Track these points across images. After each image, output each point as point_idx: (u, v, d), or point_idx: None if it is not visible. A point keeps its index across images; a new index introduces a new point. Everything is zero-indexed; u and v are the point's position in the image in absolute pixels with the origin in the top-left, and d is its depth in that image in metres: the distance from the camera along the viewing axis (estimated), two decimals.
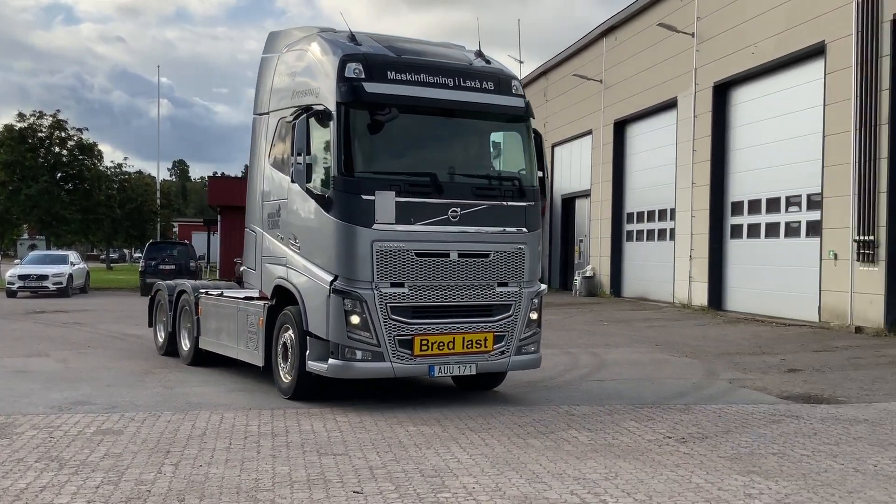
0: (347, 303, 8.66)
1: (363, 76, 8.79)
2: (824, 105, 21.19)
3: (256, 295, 10.94)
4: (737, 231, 26.02)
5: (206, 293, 12.76)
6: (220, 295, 12.36)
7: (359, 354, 8.64)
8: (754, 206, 25.07)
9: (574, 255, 39.07)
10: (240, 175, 58.03)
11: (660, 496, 6.14)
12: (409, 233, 8.85)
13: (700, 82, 27.30)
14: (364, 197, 8.75)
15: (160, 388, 11.31)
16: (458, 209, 8.97)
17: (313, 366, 9.07)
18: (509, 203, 9.48)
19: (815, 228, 21.79)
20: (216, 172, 52.91)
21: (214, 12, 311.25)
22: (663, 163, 30.34)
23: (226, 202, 40.18)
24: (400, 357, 8.67)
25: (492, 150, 10.52)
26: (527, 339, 9.60)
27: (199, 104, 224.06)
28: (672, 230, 29.72)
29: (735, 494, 6.18)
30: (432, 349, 8.75)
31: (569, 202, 40.31)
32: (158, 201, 64.17)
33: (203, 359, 12.81)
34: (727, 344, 18.11)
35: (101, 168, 53.28)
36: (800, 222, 22.87)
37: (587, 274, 35.09)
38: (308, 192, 9.28)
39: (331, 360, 8.81)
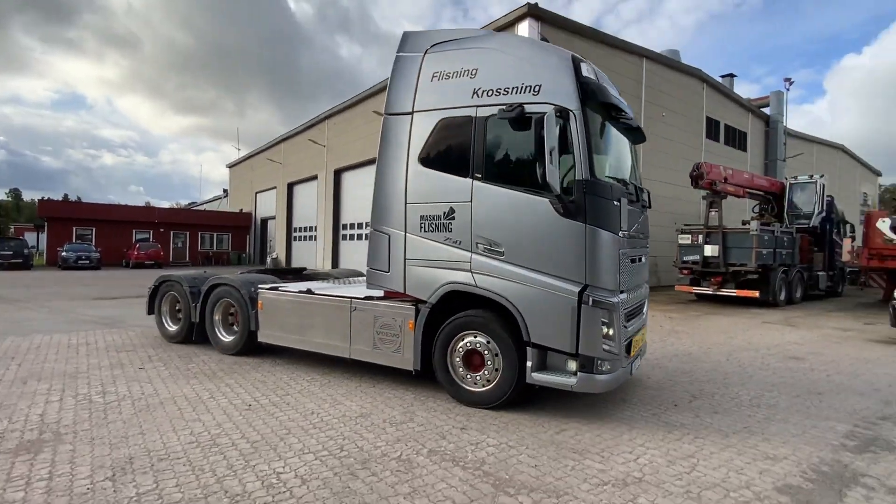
0: (602, 313, 4.36)
1: (594, 77, 4.67)
2: None
3: (380, 295, 5.51)
4: (345, 237, 26.72)
5: (278, 289, 6.62)
6: (308, 292, 6.28)
7: (606, 366, 4.44)
8: (353, 226, 25.84)
9: (267, 247, 37.04)
10: (60, 199, 47.47)
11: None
12: (629, 240, 4.90)
13: (328, 169, 27.35)
14: (615, 203, 4.56)
15: (7, 324, 9.21)
16: (639, 216, 5.29)
17: (541, 378, 4.51)
18: (646, 212, 5.65)
19: None
20: (44, 197, 42.83)
21: (41, 100, 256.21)
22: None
23: (50, 215, 32.29)
24: (623, 362, 4.67)
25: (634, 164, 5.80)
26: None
27: (29, 155, 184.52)
28: (314, 236, 29.22)
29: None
30: (633, 349, 5.07)
31: (265, 221, 37.44)
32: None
33: (255, 350, 6.95)
34: None
35: None
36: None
37: (273, 256, 33.90)
38: (559, 197, 4.36)
39: (581, 374, 4.39)
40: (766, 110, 27.90)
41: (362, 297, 5.66)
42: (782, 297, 13.96)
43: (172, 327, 7.89)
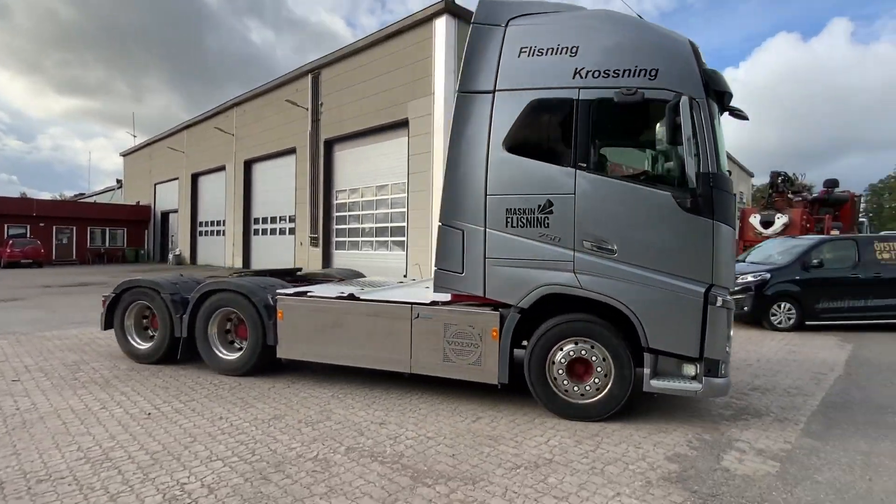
0: (727, 314, 4.03)
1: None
2: (296, 175, 21.74)
3: (445, 299, 4.78)
4: (256, 231, 25.60)
5: (306, 295, 5.45)
6: (350, 297, 5.21)
7: (725, 368, 4.08)
8: (265, 221, 24.73)
9: (169, 243, 34.54)
10: None
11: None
12: None
13: (237, 160, 26.01)
14: (734, 196, 4.20)
15: None
16: None
17: (661, 385, 4.11)
18: None
19: (292, 231, 22.29)
20: None
21: None
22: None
23: None
24: None
25: None
26: None
27: None
28: (223, 231, 27.73)
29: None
30: None
31: (165, 215, 34.67)
32: None
33: (270, 368, 5.73)
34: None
35: None
36: (286, 228, 23.12)
37: (176, 253, 31.57)
38: (692, 190, 3.92)
39: (708, 379, 4.02)
40: None
41: (427, 302, 4.80)
42: None
43: (143, 345, 6.28)
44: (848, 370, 6.39)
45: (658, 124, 4.09)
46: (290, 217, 22.78)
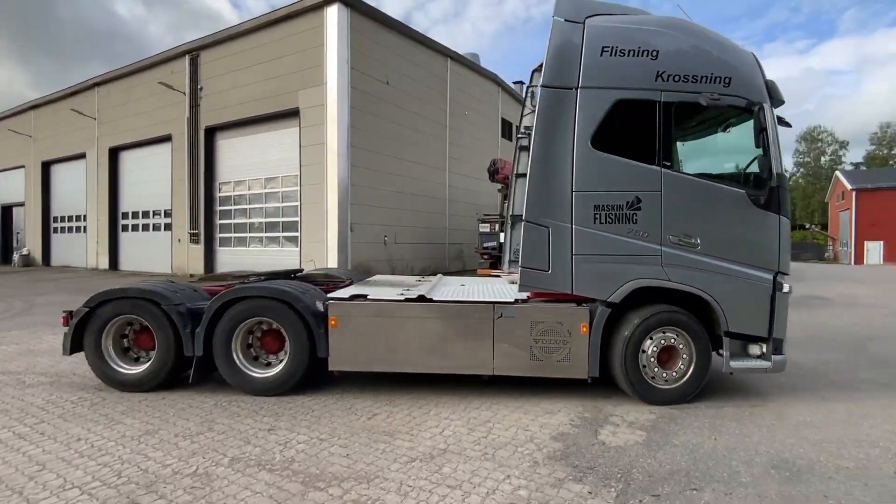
0: (788, 297, 4.54)
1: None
2: (172, 165, 19.80)
3: (523, 297, 4.74)
4: (125, 227, 22.92)
5: (366, 298, 4.86)
6: (420, 299, 4.78)
7: (784, 347, 4.61)
8: (136, 216, 22.19)
9: (14, 241, 29.64)
10: None
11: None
12: None
13: (100, 146, 23.02)
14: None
15: None
16: None
17: (739, 365, 4.56)
18: None
19: (168, 226, 20.27)
20: None
21: None
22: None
23: None
24: None
25: None
26: None
27: None
28: (83, 227, 24.27)
29: None
30: None
31: (8, 209, 29.62)
32: None
33: (308, 384, 5.08)
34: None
35: None
36: (161, 224, 20.98)
37: (24, 253, 27.22)
38: (772, 189, 4.45)
39: (775, 357, 4.52)
40: None
41: (511, 300, 4.70)
42: None
43: (131, 369, 5.06)
44: None
45: (733, 127, 4.60)
46: (165, 211, 20.70)
